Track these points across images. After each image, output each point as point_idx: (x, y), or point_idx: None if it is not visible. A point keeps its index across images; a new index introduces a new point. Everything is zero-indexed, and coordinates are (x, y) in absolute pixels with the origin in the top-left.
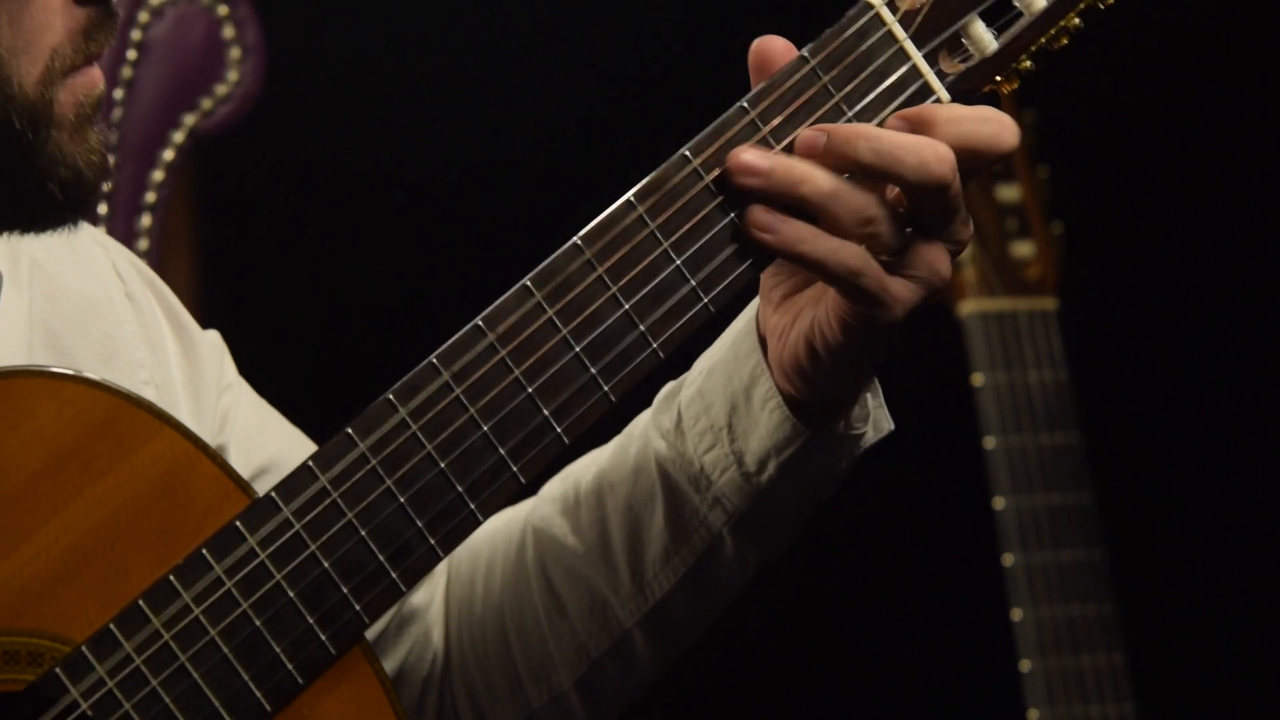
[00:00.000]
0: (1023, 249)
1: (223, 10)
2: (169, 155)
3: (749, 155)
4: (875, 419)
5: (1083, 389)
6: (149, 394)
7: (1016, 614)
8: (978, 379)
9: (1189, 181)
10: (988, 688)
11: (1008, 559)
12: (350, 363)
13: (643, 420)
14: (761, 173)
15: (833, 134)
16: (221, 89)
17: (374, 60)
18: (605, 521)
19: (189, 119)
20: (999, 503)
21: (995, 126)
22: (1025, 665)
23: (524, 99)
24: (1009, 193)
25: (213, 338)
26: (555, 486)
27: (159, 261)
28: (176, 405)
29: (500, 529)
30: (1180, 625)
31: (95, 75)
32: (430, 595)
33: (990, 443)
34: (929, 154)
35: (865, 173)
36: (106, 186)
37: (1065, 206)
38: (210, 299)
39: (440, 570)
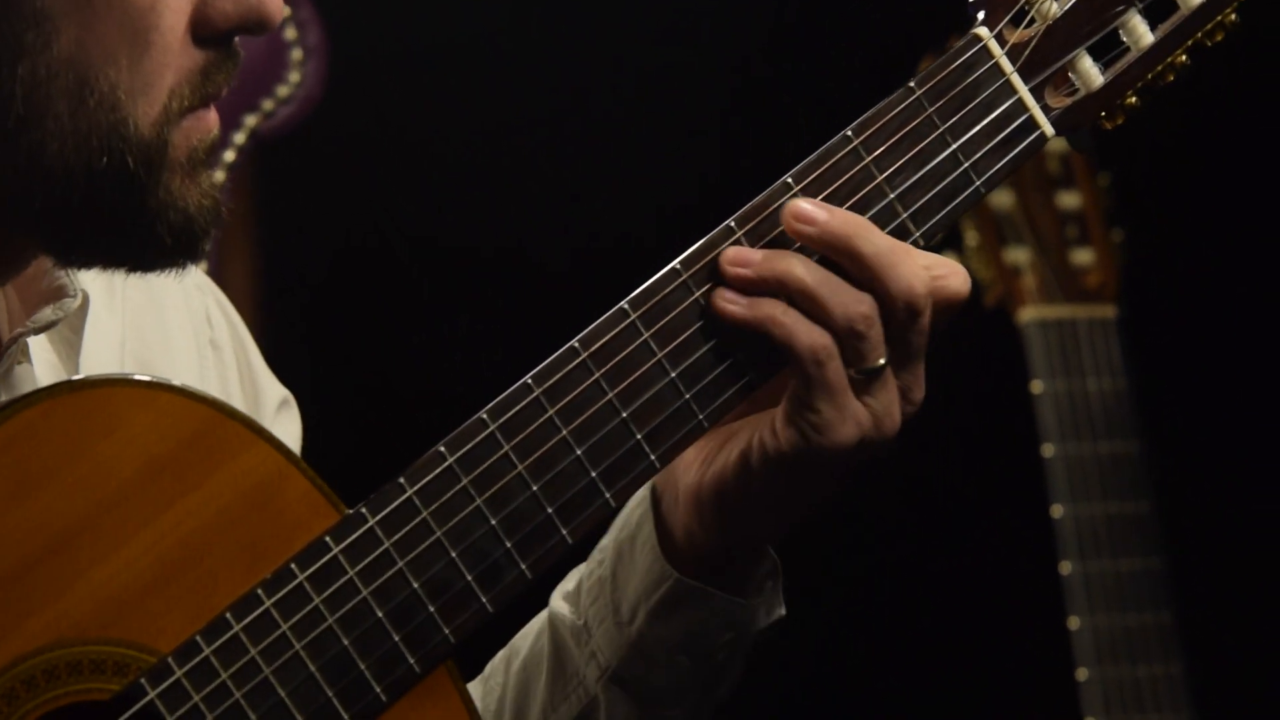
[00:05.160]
0: (1083, 256)
1: (285, 11)
2: (230, 155)
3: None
4: (768, 601)
5: (1142, 397)
6: None
7: (1074, 623)
8: (1037, 386)
9: (1249, 189)
10: (1044, 696)
11: (1065, 567)
12: (406, 362)
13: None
14: (750, 263)
15: (834, 215)
16: (283, 90)
17: (434, 62)
18: (504, 688)
19: (250, 120)
20: (1057, 511)
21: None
22: (1082, 674)
23: (584, 101)
24: (1070, 200)
25: (288, 406)
26: None
27: (218, 260)
28: None
29: None
30: (1239, 635)
31: (211, 118)
32: None
33: (1049, 450)
34: (918, 270)
35: (854, 266)
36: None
37: (1126, 214)
38: (268, 298)
39: None
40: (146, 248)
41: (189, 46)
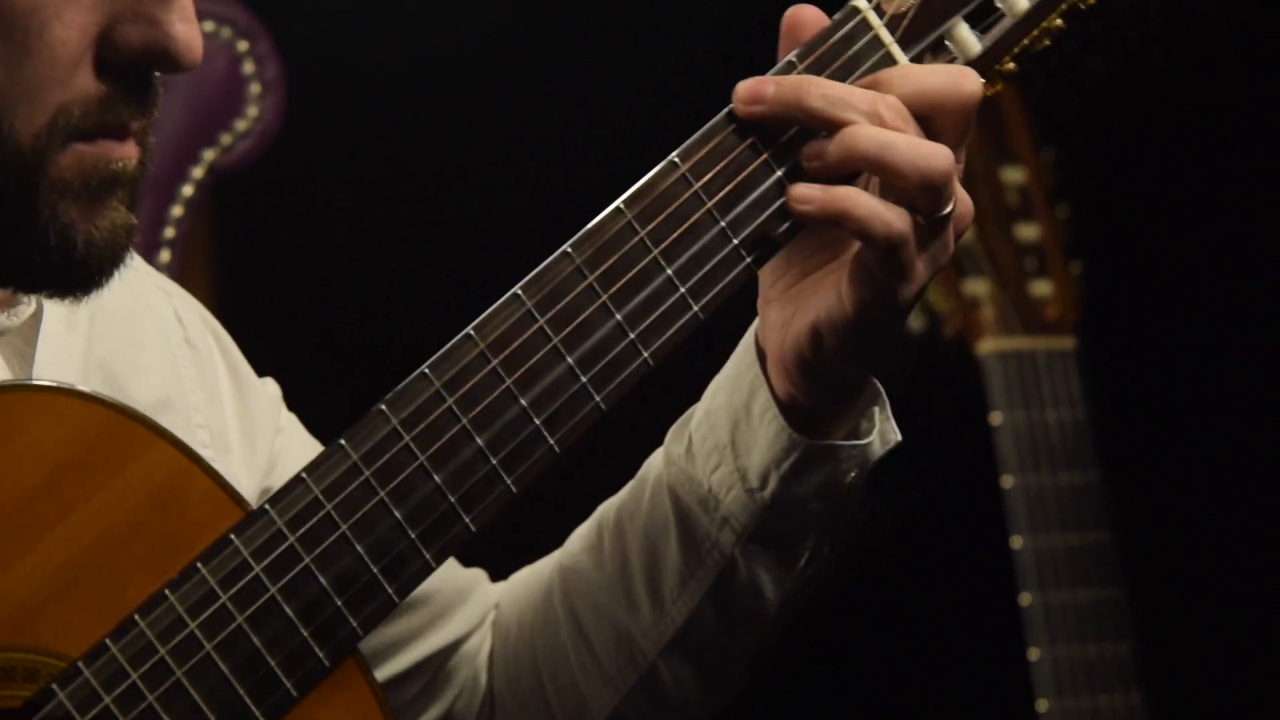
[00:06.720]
0: (1041, 288)
1: (243, 46)
2: (188, 191)
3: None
4: (882, 430)
5: (1101, 428)
6: (203, 438)
7: (1034, 654)
8: (996, 418)
9: (1208, 221)
10: None
11: (1025, 598)
12: (371, 396)
13: (660, 451)
14: (823, 153)
15: (781, 84)
16: (241, 124)
17: (393, 96)
18: (625, 554)
19: (208, 154)
20: (1017, 542)
21: (950, 76)
22: (1042, 705)
23: (543, 134)
24: (1028, 232)
25: (270, 387)
26: (584, 526)
27: None
28: (230, 450)
29: (535, 573)
30: (1199, 665)
31: (115, 151)
32: (480, 642)
33: (1008, 482)
34: (879, 103)
35: (816, 125)
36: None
37: (1084, 246)
38: (228, 333)
39: (490, 619)
40: (20, 265)
41: (87, 69)
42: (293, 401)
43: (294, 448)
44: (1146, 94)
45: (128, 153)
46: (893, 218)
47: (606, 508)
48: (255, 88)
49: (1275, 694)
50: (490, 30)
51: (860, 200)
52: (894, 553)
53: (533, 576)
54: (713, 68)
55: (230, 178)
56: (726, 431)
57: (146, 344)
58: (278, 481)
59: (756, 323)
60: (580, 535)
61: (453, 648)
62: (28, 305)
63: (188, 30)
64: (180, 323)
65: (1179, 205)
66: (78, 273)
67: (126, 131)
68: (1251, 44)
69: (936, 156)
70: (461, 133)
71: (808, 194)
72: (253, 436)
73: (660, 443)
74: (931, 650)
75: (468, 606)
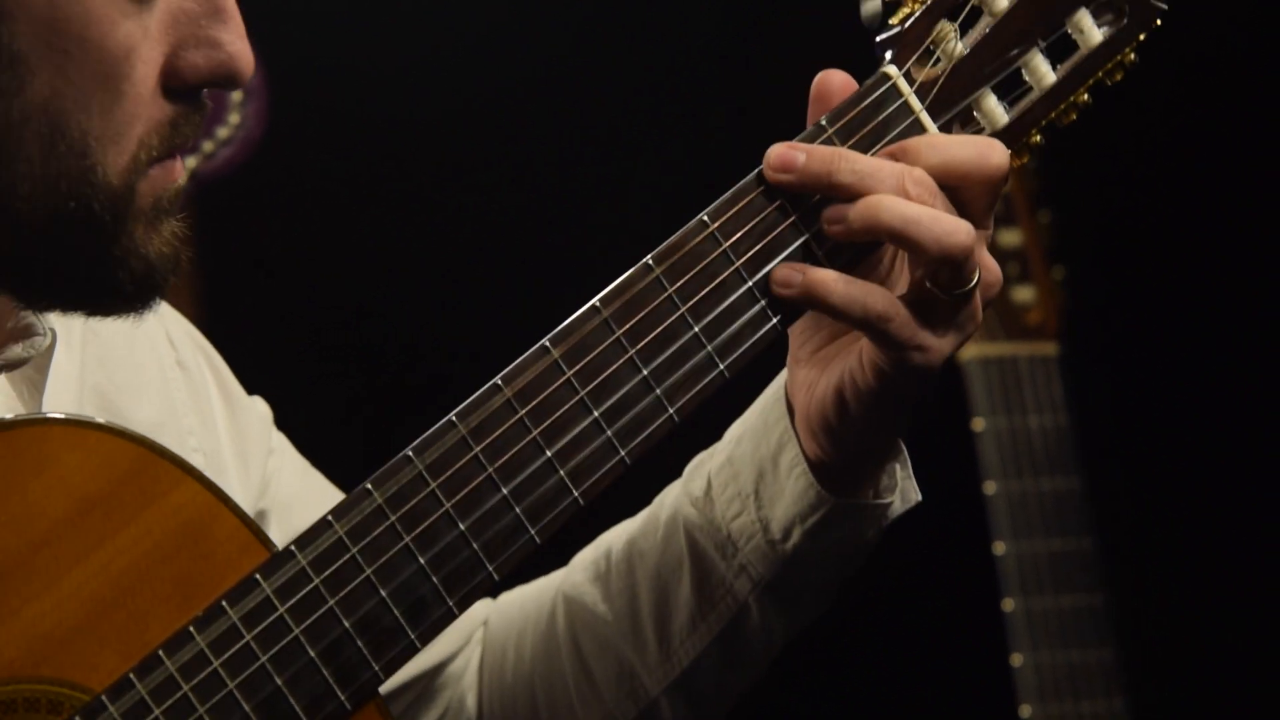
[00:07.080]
0: (1024, 294)
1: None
2: None
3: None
4: (903, 489)
5: (1083, 434)
6: (197, 460)
7: (1017, 659)
8: (978, 424)
9: (1190, 227)
10: None
11: (1008, 604)
12: (351, 405)
13: (674, 489)
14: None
15: (811, 155)
16: (223, 131)
17: (375, 102)
18: (634, 589)
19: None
20: (999, 548)
21: (978, 148)
22: (1025, 710)
23: (526, 140)
24: (1010, 237)
25: (260, 406)
26: (587, 554)
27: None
28: (225, 471)
29: (532, 597)
30: (1181, 670)
31: (177, 169)
32: (466, 662)
33: (991, 488)
34: (906, 178)
35: (841, 196)
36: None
37: (1066, 251)
38: (211, 341)
39: (476, 637)
40: (106, 293)
41: (159, 98)
42: (275, 409)
43: (286, 469)
44: (1129, 99)
45: (181, 169)
46: (873, 301)
47: (614, 538)
48: (237, 94)
49: (1258, 697)
50: (473, 36)
51: (836, 286)
52: (877, 559)
53: (529, 600)
54: (678, 64)
55: (212, 184)
56: (750, 481)
57: (142, 367)
58: (271, 504)
59: (785, 375)
60: (585, 564)
61: (439, 668)
62: (44, 337)
63: (245, 48)
64: (172, 344)
65: (1161, 211)
66: (152, 290)
67: (185, 149)
68: (1232, 51)
69: (958, 233)
70: (446, 138)
71: (789, 278)
72: (246, 458)
73: (660, 470)
74: (915, 656)
75: (454, 625)
